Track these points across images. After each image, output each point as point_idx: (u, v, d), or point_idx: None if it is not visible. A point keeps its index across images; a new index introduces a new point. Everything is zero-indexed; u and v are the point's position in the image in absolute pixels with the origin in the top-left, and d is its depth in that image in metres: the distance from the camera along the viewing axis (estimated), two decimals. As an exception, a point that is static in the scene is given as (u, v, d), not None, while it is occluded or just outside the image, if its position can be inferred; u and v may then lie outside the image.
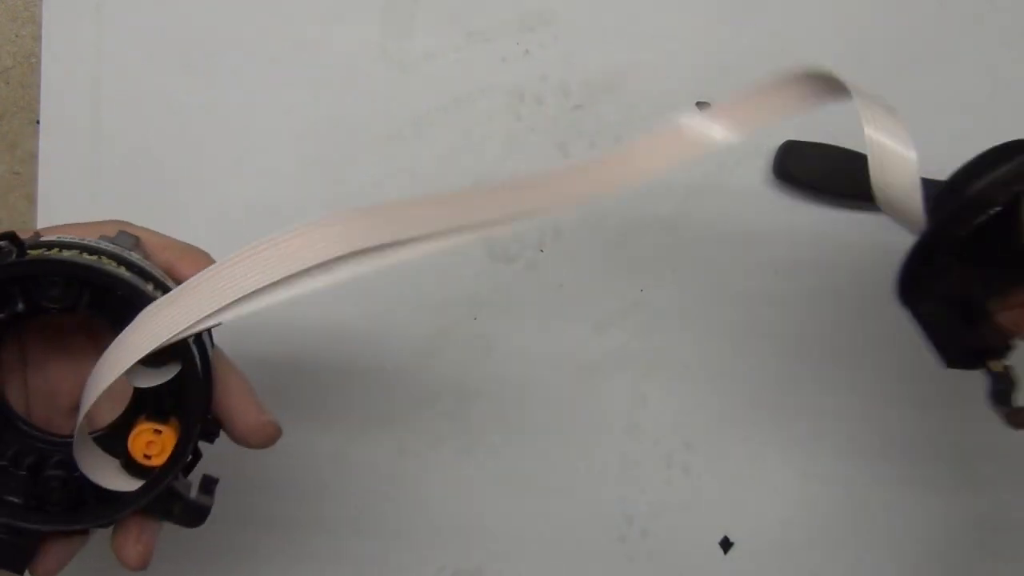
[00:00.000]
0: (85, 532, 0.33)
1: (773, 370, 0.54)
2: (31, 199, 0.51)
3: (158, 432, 0.31)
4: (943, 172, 0.52)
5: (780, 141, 0.52)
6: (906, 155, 0.31)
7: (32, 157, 0.51)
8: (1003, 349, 0.36)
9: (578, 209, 0.53)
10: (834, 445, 0.54)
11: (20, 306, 0.31)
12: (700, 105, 0.53)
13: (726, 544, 0.54)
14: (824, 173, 0.51)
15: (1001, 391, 0.35)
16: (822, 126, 0.52)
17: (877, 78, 0.53)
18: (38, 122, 0.51)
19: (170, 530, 0.35)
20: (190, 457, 0.32)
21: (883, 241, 0.53)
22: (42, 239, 0.32)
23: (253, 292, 0.29)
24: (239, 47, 0.51)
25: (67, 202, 0.51)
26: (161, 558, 0.35)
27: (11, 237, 0.30)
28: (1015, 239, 0.32)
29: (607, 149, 0.53)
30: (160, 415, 0.32)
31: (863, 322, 0.54)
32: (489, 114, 0.53)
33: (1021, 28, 0.54)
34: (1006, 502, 0.55)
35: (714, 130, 0.32)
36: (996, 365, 0.36)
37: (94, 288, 0.31)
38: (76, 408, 0.36)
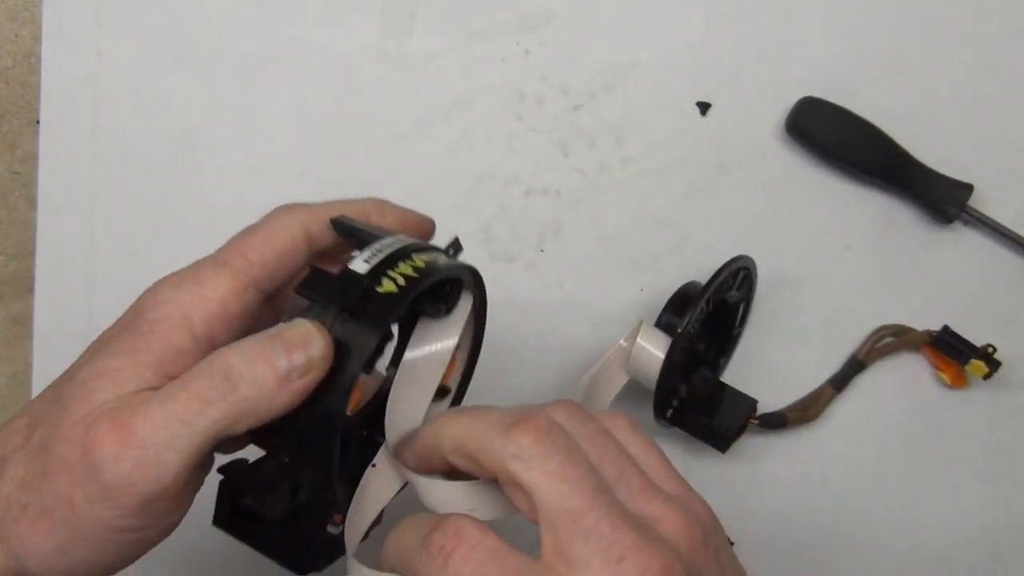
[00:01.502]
0: None
1: (774, 365, 0.54)
2: (31, 199, 0.51)
3: None
4: (943, 169, 0.52)
5: (797, 97, 0.52)
6: (658, 356, 0.46)
7: (32, 157, 0.51)
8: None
9: (578, 208, 0.53)
10: (833, 442, 0.54)
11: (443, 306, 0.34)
12: (700, 105, 0.53)
13: (727, 544, 0.54)
14: (836, 136, 0.52)
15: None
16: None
17: (877, 78, 0.53)
18: (38, 122, 0.51)
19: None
20: None
21: (878, 222, 0.54)
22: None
23: None
24: (239, 47, 0.51)
25: (67, 202, 0.51)
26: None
27: (456, 242, 0.34)
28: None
29: (608, 149, 0.53)
30: None
31: (863, 322, 0.54)
32: (489, 114, 0.53)
33: (1021, 28, 0.54)
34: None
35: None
36: None
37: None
38: None
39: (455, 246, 0.35)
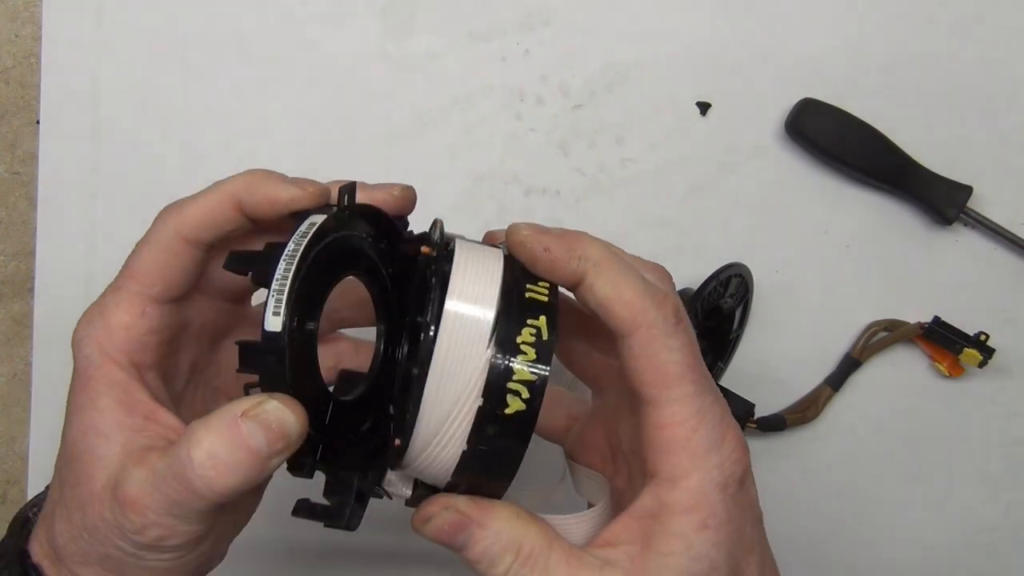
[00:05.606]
0: None
1: (771, 367, 0.54)
2: (31, 199, 0.51)
3: None
4: (943, 171, 0.52)
5: (797, 98, 0.52)
6: None
7: (32, 157, 0.51)
8: None
9: (578, 208, 0.53)
10: (832, 441, 0.54)
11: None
12: (700, 105, 0.53)
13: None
14: (835, 138, 0.52)
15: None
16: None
17: (876, 78, 0.53)
18: (38, 122, 0.51)
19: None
20: None
21: (878, 224, 0.54)
22: None
23: None
24: (239, 47, 0.51)
25: (67, 202, 0.51)
26: None
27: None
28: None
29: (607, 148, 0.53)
30: None
31: (862, 322, 0.54)
32: (489, 114, 0.53)
33: (1021, 28, 0.54)
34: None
35: None
36: None
37: None
38: None
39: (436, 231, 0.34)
